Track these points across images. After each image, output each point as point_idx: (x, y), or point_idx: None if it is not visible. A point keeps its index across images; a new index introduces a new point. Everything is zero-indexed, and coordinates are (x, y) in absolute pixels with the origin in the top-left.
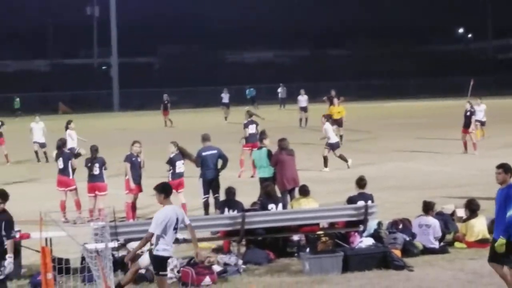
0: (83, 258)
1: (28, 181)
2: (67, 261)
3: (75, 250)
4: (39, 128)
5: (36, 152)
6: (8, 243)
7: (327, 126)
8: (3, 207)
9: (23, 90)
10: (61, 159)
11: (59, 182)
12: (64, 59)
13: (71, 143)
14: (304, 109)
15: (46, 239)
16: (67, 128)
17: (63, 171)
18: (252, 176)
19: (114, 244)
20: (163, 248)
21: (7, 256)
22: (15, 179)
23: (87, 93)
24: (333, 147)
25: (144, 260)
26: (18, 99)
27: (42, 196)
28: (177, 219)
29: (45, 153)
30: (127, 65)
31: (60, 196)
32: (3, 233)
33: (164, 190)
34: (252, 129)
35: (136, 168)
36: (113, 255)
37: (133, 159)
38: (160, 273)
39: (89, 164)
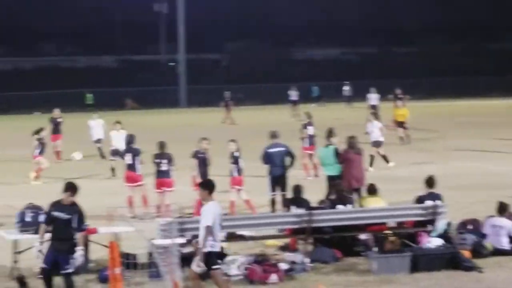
0: (150, 254)
1: (93, 177)
2: (135, 256)
3: (143, 245)
4: (97, 125)
5: (100, 149)
6: (79, 236)
7: (376, 124)
8: (73, 200)
9: (92, 86)
10: (129, 155)
11: (126, 177)
12: (132, 55)
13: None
14: (374, 107)
15: (113, 234)
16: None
17: (131, 167)
18: (315, 176)
19: (181, 240)
20: (211, 244)
21: (78, 248)
22: (81, 174)
23: (154, 89)
24: (375, 144)
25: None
26: (91, 95)
27: (108, 191)
28: (220, 214)
29: (99, 148)
30: (194, 61)
31: (127, 191)
32: (75, 226)
33: (209, 187)
34: (310, 130)
35: (203, 164)
36: (180, 251)
37: (200, 155)
38: (212, 267)
39: (157, 160)
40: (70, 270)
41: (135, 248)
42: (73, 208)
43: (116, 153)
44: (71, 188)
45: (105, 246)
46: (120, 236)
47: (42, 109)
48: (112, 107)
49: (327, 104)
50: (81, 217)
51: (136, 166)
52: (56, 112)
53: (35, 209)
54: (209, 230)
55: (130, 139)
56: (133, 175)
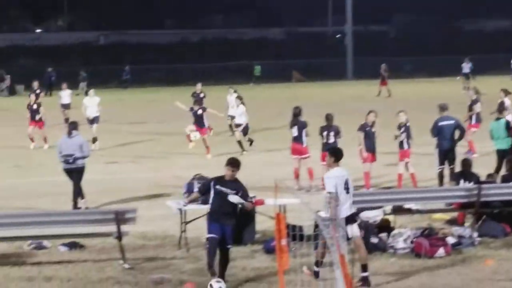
0: (316, 226)
1: (258, 150)
2: (300, 228)
3: (308, 217)
4: (232, 100)
5: (230, 126)
6: (248, 205)
7: (506, 101)
8: (235, 176)
9: (258, 58)
10: (295, 127)
11: (293, 149)
12: (298, 27)
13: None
14: None
15: (280, 206)
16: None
17: (297, 139)
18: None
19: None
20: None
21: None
22: (246, 147)
23: (320, 61)
24: None
25: (354, 231)
26: (259, 67)
27: (274, 163)
28: (347, 180)
29: (230, 125)
30: (362, 33)
31: (293, 163)
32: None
33: (335, 155)
34: (478, 107)
35: (369, 137)
36: None
37: (367, 128)
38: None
39: (324, 132)
40: (230, 246)
41: (301, 220)
42: (237, 184)
43: (237, 127)
44: (233, 163)
45: (272, 217)
46: (286, 207)
47: (204, 81)
48: (278, 80)
49: (497, 77)
50: (245, 192)
51: (303, 139)
52: (198, 87)
53: (203, 179)
54: (331, 197)
55: (296, 112)
56: (299, 147)
